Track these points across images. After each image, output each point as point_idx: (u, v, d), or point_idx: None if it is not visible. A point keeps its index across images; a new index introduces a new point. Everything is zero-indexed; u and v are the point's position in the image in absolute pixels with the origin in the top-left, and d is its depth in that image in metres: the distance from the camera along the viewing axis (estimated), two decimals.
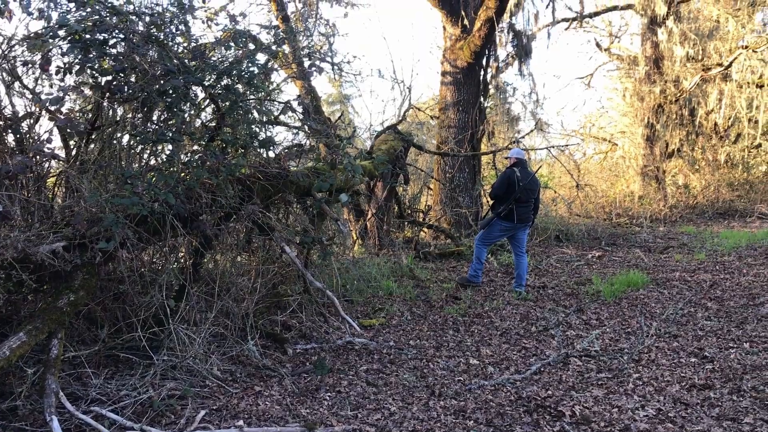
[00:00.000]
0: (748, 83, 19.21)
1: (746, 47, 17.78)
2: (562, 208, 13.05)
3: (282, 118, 7.15)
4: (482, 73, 11.90)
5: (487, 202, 11.89)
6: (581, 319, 6.74)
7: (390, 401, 4.52)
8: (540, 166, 12.72)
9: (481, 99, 11.82)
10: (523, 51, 11.73)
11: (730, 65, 17.54)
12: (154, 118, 5.16)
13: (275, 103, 6.41)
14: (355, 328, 5.70)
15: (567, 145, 14.19)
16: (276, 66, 7.02)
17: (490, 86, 12.35)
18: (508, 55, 12.37)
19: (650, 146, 18.23)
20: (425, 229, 11.29)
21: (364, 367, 5.20)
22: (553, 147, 14.49)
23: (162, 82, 4.68)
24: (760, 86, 18.83)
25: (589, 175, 19.29)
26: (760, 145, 21.93)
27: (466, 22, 11.24)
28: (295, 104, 6.57)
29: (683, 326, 6.45)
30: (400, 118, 9.99)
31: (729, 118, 20.19)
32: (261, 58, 5.60)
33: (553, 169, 17.03)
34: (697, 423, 4.09)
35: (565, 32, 20.97)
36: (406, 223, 10.77)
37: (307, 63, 6.85)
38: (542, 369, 5.17)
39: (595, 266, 9.84)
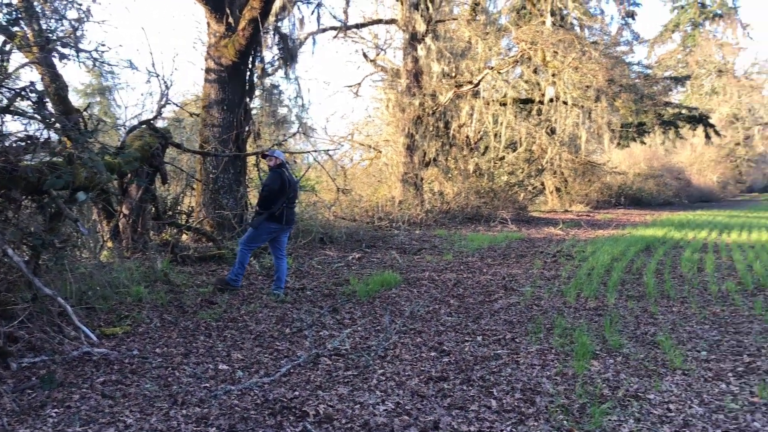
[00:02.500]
0: (495, 101, 21.29)
1: (492, 68, 19.66)
2: (327, 211, 13.32)
3: (19, 106, 6.38)
4: (248, 73, 11.73)
5: (251, 204, 11.74)
6: (335, 319, 6.88)
7: (127, 413, 4.21)
8: (308, 169, 12.85)
9: (247, 99, 11.65)
10: (289, 55, 11.78)
11: (478, 83, 19.26)
12: None
13: (2, 89, 5.69)
14: (91, 337, 5.23)
15: (330, 150, 14.50)
16: (14, 48, 6.28)
17: (256, 87, 12.22)
18: (274, 57, 12.34)
19: (410, 155, 19.36)
20: (187, 232, 10.84)
21: (101, 379, 4.80)
22: (321, 151, 14.77)
23: None
24: (504, 104, 20.94)
25: (356, 180, 20.00)
26: (503, 157, 24.40)
27: (231, 20, 11.00)
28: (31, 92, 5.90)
29: (427, 322, 6.88)
30: (156, 114, 9.48)
31: (479, 132, 22.20)
32: None
33: (321, 173, 17.36)
34: (430, 413, 4.34)
35: (335, 41, 21.58)
36: (164, 225, 10.24)
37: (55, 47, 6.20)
38: (292, 370, 5.17)
39: (354, 267, 10.17)
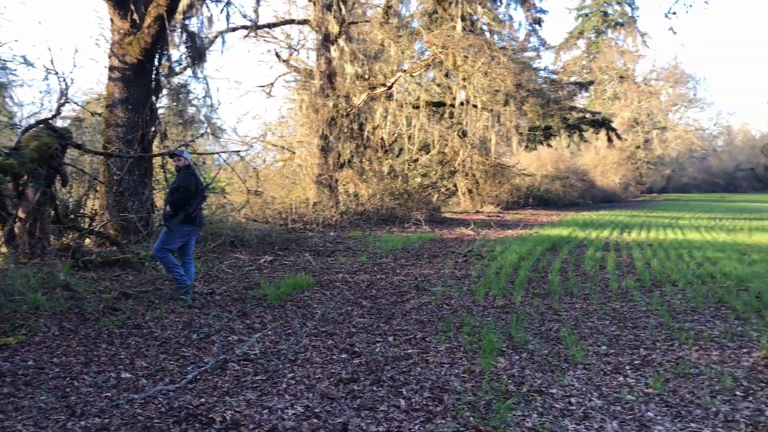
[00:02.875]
0: (408, 103, 21.52)
1: (405, 71, 19.87)
2: (238, 213, 13.07)
3: None
4: (154, 71, 11.37)
5: (157, 206, 11.39)
6: (245, 324, 6.76)
7: (19, 427, 3.99)
8: (219, 171, 12.56)
9: (153, 98, 11.29)
10: (197, 53, 11.49)
11: (392, 86, 19.42)
12: None
13: None
14: None
15: (241, 151, 14.24)
16: None
17: (163, 86, 11.86)
18: (182, 56, 12.02)
19: (325, 156, 19.29)
20: (89, 236, 10.39)
21: None
22: (231, 152, 14.48)
23: None
24: (417, 107, 21.21)
25: (269, 182, 19.75)
26: (417, 159, 24.72)
27: (136, 16, 10.63)
28: None
29: (339, 324, 6.86)
30: (55, 113, 9.03)
31: (393, 134, 22.39)
32: None
33: (232, 175, 17.04)
34: (339, 415, 4.33)
35: (246, 40, 21.25)
36: (65, 229, 9.77)
37: None
38: (199, 377, 5.04)
39: (266, 270, 10.03)
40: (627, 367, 5.46)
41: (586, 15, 58.60)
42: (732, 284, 9.41)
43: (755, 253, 13.23)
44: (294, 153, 21.67)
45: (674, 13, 14.28)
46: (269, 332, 6.44)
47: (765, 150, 69.98)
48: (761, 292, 8.72)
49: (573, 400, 4.67)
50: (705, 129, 68.56)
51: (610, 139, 29.36)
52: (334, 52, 18.48)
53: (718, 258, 12.30)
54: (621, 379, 5.16)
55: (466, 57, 18.68)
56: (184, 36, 11.58)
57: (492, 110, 20.31)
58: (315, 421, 4.22)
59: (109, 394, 4.62)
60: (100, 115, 12.16)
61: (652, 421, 4.29)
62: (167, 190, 8.13)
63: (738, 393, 4.84)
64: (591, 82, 38.10)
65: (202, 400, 4.54)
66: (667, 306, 7.95)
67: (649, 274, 10.23)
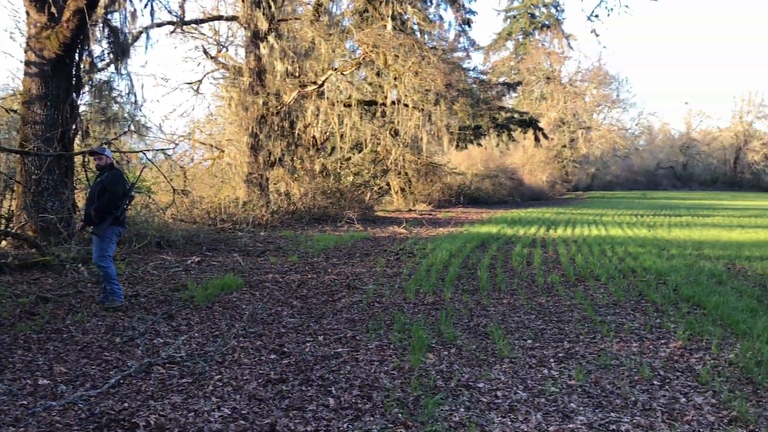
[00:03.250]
0: (339, 102, 21.46)
1: (336, 69, 19.82)
2: (163, 213, 12.75)
3: None
4: (75, 67, 10.96)
5: (78, 207, 11.00)
6: (171, 326, 6.60)
7: None
8: (143, 169, 12.20)
9: (74, 95, 10.89)
10: (120, 49, 11.13)
11: (323, 84, 19.34)
12: None
13: None
14: None
15: (166, 150, 13.91)
16: None
17: (84, 82, 11.45)
18: (104, 51, 11.62)
19: (255, 155, 19.04)
20: (6, 238, 9.95)
21: None
22: (156, 151, 14.13)
23: None
24: (348, 105, 21.19)
25: (197, 181, 19.37)
26: (349, 158, 24.71)
27: (54, 9, 10.21)
28: None
29: (269, 325, 6.79)
30: None
31: (325, 133, 22.30)
32: None
33: (158, 174, 16.62)
34: (267, 416, 4.28)
35: (173, 36, 20.74)
36: None
37: None
38: (122, 381, 4.89)
39: (193, 272, 9.82)
40: (551, 360, 5.60)
41: (514, 17, 59.87)
42: (652, 278, 9.80)
43: (674, 248, 13.83)
44: (223, 151, 21.32)
45: (596, 16, 14.73)
46: (196, 334, 6.31)
47: (683, 149, 73.19)
48: (679, 285, 9.12)
49: (499, 393, 4.77)
50: (627, 129, 71.12)
51: (537, 139, 30.14)
52: (263, 49, 18.26)
53: (639, 253, 12.79)
54: (545, 371, 5.29)
55: (397, 56, 18.78)
56: (107, 31, 11.20)
57: (423, 109, 20.50)
58: (242, 422, 4.16)
59: (24, 402, 4.43)
60: (16, 112, 11.64)
61: (574, 412, 4.42)
62: (89, 190, 7.62)
63: (655, 382, 5.04)
64: (519, 83, 38.98)
65: (125, 405, 4.41)
66: (590, 300, 8.21)
67: (573, 270, 10.53)
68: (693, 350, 5.95)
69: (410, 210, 26.90)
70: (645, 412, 4.44)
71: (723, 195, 54.28)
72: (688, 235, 17.25)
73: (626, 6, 17.42)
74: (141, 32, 13.92)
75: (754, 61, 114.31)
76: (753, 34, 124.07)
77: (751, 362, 5.42)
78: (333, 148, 24.08)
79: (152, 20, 12.65)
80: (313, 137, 21.56)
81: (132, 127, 12.05)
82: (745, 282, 9.60)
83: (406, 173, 27.92)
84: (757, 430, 4.15)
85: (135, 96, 11.29)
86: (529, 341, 6.25)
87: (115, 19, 11.41)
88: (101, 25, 11.17)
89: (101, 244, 7.11)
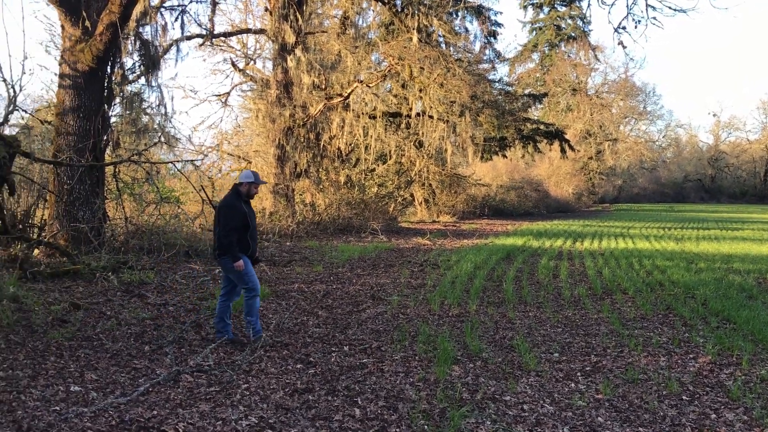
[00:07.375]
0: (365, 113, 21.59)
1: (362, 82, 19.94)
2: (194, 223, 12.90)
3: None
4: (107, 79, 11.18)
5: (109, 216, 11.18)
6: (199, 335, 6.69)
7: None
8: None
9: (105, 106, 11.09)
10: (150, 61, 11.34)
11: (348, 96, 19.47)
12: None
13: None
14: None
15: (195, 160, 14.09)
16: None
17: (115, 94, 11.67)
18: (135, 64, 11.85)
19: (281, 166, 19.20)
20: (38, 247, 10.14)
21: None
22: (187, 162, 14.32)
23: None
24: (373, 117, 21.30)
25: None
26: (374, 169, 24.80)
27: (88, 23, 10.44)
28: None
29: (295, 334, 6.84)
30: (3, 121, 8.81)
31: (350, 144, 22.44)
32: None
33: (187, 184, 16.83)
34: (294, 425, 4.31)
35: (202, 49, 21.06)
36: (12, 239, 9.50)
37: None
38: (151, 389, 4.96)
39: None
40: (578, 374, 5.57)
41: (540, 28, 59.71)
42: (680, 292, 9.68)
43: (702, 261, 13.65)
44: (250, 162, 21.51)
45: (624, 28, 14.70)
46: (223, 343, 6.38)
47: (712, 161, 72.22)
48: (707, 299, 9.00)
49: (525, 406, 4.75)
50: (655, 141, 70.41)
51: (563, 150, 29.95)
52: (290, 61, 18.44)
53: (666, 266, 12.64)
54: (572, 385, 5.27)
55: (422, 68, 18.87)
56: (138, 44, 11.42)
57: (448, 121, 20.55)
58: (269, 431, 4.20)
59: (57, 408, 4.51)
60: (50, 123, 11.89)
61: (602, 426, 4.39)
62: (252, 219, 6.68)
63: (684, 397, 4.99)
64: (545, 95, 38.79)
65: (154, 412, 4.48)
66: (618, 313, 8.14)
67: (600, 283, 10.45)
68: (723, 365, 5.88)
69: (434, 221, 26.89)
70: (674, 427, 4.40)
71: (752, 208, 53.40)
72: (717, 248, 17.00)
73: (653, 18, 17.33)
74: (171, 45, 14.17)
75: None
76: None
77: None
78: (358, 160, 24.20)
79: (182, 33, 12.89)
80: (339, 149, 21.69)
81: (162, 138, 12.24)
82: None
83: (430, 184, 27.95)
84: None
85: (165, 107, 11.47)
86: (556, 354, 6.22)
87: (147, 32, 11.65)
88: (133, 38, 11.39)
89: (249, 275, 6.50)
